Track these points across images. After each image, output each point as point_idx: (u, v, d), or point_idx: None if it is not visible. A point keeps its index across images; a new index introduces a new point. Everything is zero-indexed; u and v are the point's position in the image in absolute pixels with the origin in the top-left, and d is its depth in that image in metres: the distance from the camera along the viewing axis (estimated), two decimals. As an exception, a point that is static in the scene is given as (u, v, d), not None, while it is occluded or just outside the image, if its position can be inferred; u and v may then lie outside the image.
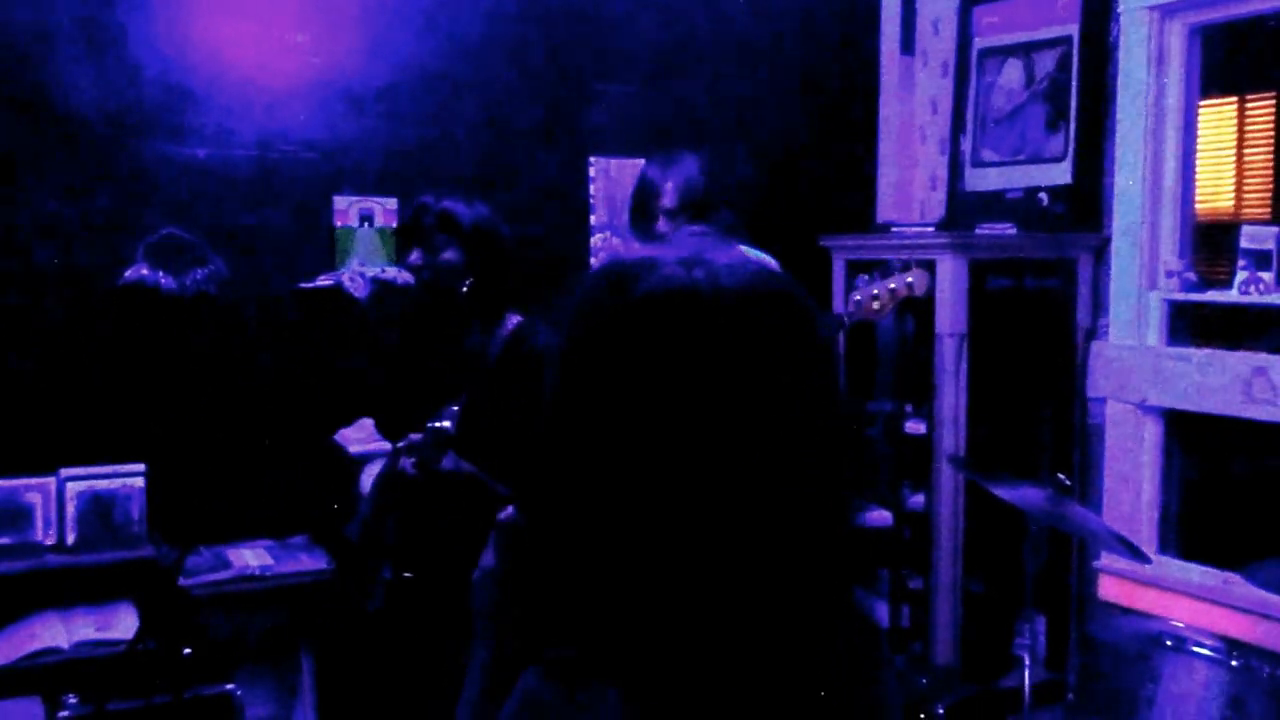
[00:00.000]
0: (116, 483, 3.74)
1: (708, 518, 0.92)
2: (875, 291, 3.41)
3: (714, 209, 3.21)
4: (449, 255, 2.84)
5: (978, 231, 4.46)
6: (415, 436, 2.66)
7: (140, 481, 3.76)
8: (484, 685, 2.07)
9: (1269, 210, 4.66)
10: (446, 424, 2.63)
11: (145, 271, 3.79)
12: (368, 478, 3.82)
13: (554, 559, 1.00)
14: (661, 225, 3.19)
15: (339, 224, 4.18)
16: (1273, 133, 4.73)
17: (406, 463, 2.69)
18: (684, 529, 0.93)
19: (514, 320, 2.93)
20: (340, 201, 4.18)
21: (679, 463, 0.92)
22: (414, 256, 2.89)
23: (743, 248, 3.67)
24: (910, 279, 3.42)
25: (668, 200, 3.20)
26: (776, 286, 0.98)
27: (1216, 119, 4.66)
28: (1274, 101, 4.76)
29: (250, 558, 3.86)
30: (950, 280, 4.21)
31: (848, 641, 1.04)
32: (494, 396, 2.78)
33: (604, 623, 0.96)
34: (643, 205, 3.23)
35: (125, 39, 3.85)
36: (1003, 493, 3.46)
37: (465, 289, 2.84)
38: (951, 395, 4.25)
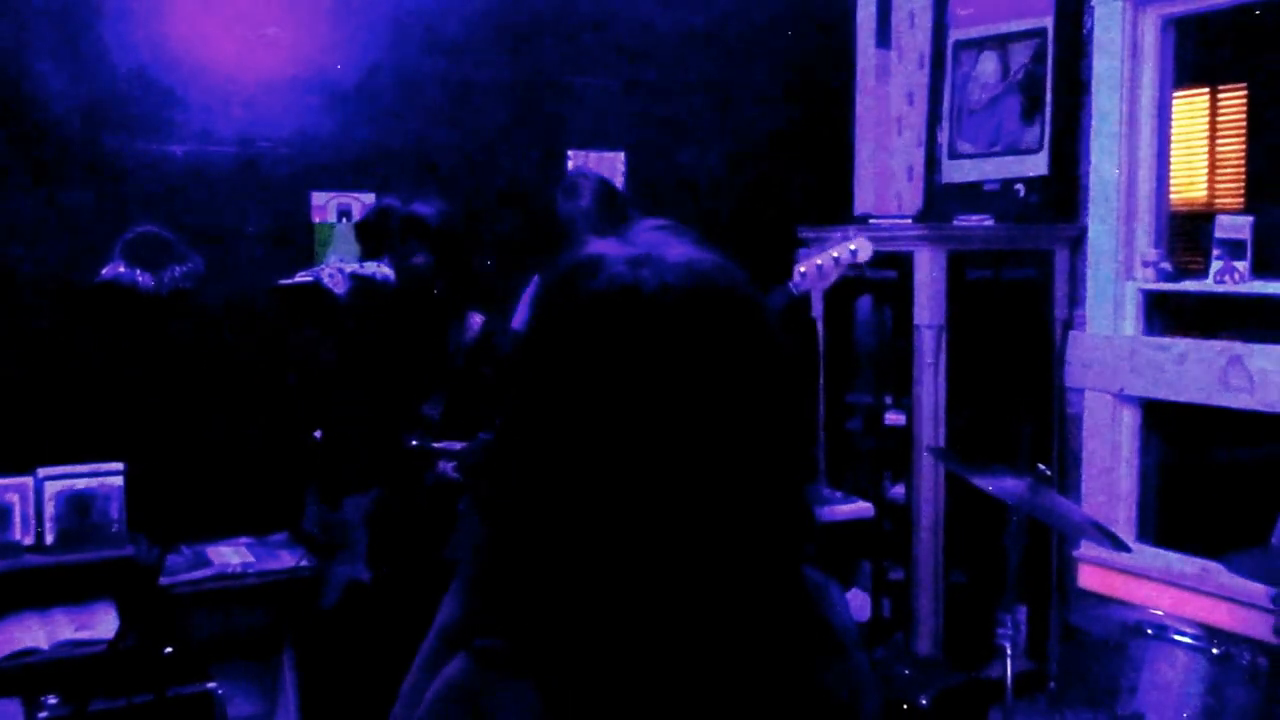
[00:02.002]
0: (95, 481, 3.72)
1: (652, 514, 0.93)
2: (819, 261, 3.42)
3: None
4: (419, 259, 2.84)
5: (955, 223, 4.48)
6: (456, 445, 2.67)
7: (119, 480, 3.74)
8: (433, 650, 2.03)
9: (1242, 200, 4.69)
10: None
11: (122, 269, 3.76)
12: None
13: (499, 549, 1.01)
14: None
15: (317, 220, 4.16)
16: (1244, 123, 4.77)
17: (447, 466, 2.71)
18: (628, 526, 0.94)
19: (478, 319, 2.93)
20: (318, 197, 4.16)
21: (625, 460, 0.93)
22: (384, 261, 2.90)
23: None
24: (853, 245, 3.42)
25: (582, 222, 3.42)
26: (726, 282, 0.99)
27: (1189, 110, 4.70)
28: (1245, 92, 4.80)
29: (231, 555, 3.85)
30: (928, 272, 4.23)
31: (789, 641, 1.02)
32: (468, 394, 2.79)
33: (539, 617, 0.96)
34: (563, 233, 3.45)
35: (102, 36, 3.82)
36: (983, 483, 3.47)
37: (437, 291, 2.85)
38: (931, 386, 4.26)
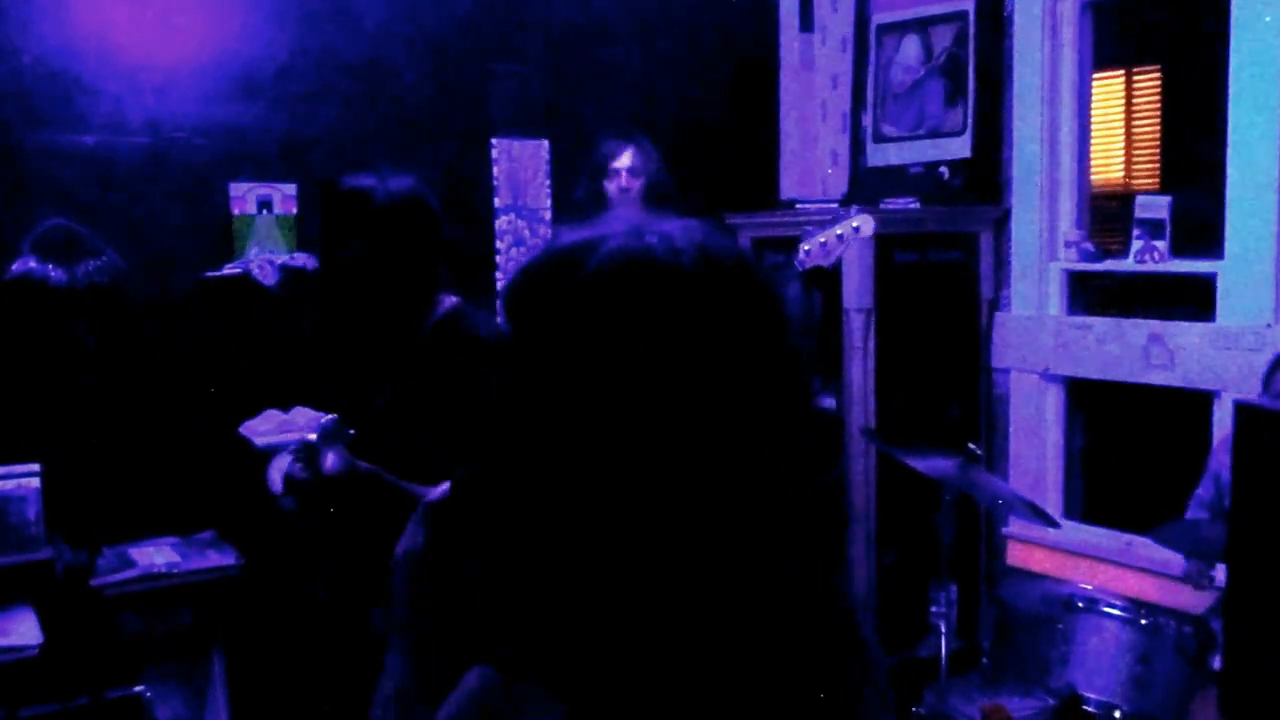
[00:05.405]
0: (10, 484, 3.60)
1: (671, 500, 0.86)
2: (822, 239, 3.48)
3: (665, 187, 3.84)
4: (346, 253, 2.49)
5: (881, 206, 4.49)
6: (310, 437, 2.49)
7: (36, 482, 3.62)
8: (406, 679, 1.95)
9: (1157, 180, 4.78)
10: (311, 437, 2.48)
11: (33, 264, 3.64)
12: (275, 471, 3.73)
13: (501, 550, 0.93)
14: (614, 189, 3.90)
15: (237, 211, 4.06)
16: (1159, 104, 4.86)
17: (295, 467, 2.53)
18: (645, 515, 0.86)
19: (449, 302, 2.67)
20: (237, 188, 4.06)
21: (644, 445, 0.86)
22: (316, 253, 2.74)
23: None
24: (855, 223, 3.50)
25: (622, 164, 3.92)
26: (732, 252, 0.92)
27: (1106, 92, 4.78)
28: (1159, 74, 4.89)
29: (156, 556, 3.75)
30: (856, 256, 4.24)
31: (817, 645, 0.95)
32: (422, 384, 2.62)
33: (555, 622, 0.89)
34: (596, 171, 3.88)
35: (3, 22, 3.69)
36: (914, 463, 3.50)
37: (381, 288, 2.59)
38: (860, 369, 4.29)
